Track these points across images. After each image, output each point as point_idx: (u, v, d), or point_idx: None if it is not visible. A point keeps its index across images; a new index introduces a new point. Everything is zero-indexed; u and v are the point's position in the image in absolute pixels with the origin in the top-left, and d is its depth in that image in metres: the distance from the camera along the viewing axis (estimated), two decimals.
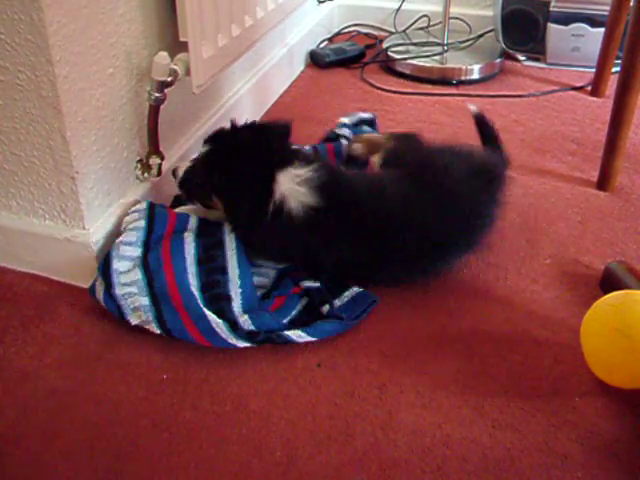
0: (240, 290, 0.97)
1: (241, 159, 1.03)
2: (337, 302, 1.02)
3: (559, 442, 0.82)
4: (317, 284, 1.03)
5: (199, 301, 0.93)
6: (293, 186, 1.00)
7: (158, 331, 0.93)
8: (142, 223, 1.05)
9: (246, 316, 0.94)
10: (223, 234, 1.05)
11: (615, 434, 0.83)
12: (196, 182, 1.08)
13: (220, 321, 0.92)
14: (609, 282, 1.04)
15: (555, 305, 1.04)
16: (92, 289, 1.00)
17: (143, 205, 1.09)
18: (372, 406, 0.87)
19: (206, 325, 0.92)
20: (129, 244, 1.01)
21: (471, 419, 0.85)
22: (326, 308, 0.99)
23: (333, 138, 1.40)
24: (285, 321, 0.98)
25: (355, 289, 1.04)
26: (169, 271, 0.97)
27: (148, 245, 1.02)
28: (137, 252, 1.01)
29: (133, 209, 1.08)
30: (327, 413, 0.86)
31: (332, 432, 0.83)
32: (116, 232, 1.06)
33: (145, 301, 0.94)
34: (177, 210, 1.13)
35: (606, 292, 0.94)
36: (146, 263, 0.98)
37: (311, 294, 1.02)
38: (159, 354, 0.94)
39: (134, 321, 0.94)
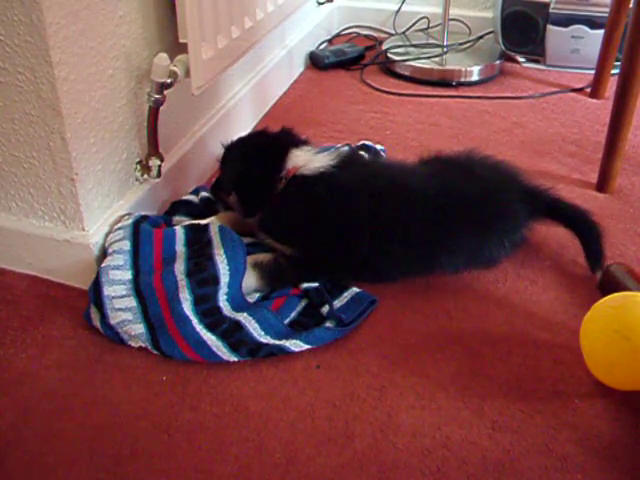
0: (225, 298, 0.96)
1: (252, 142, 1.13)
2: (337, 303, 1.02)
3: (559, 444, 0.82)
4: (316, 284, 1.03)
5: (195, 324, 0.92)
6: (308, 157, 1.07)
7: (158, 353, 0.93)
8: (127, 245, 1.02)
9: (245, 314, 0.94)
10: (209, 233, 1.04)
11: (615, 436, 0.83)
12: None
13: (220, 343, 0.91)
14: (608, 284, 1.04)
15: (554, 307, 1.04)
16: (87, 316, 0.98)
17: (129, 221, 1.05)
18: (371, 408, 0.87)
19: (206, 350, 0.91)
20: (117, 268, 0.99)
21: (470, 421, 0.85)
22: (326, 309, 0.99)
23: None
24: (285, 322, 0.98)
25: (354, 289, 1.04)
26: (162, 297, 0.95)
27: (137, 268, 1.00)
28: (128, 275, 0.99)
29: (118, 225, 1.05)
30: (326, 415, 0.86)
31: (331, 434, 0.83)
32: None
33: (140, 329, 0.93)
34: (210, 220, 1.11)
35: (605, 294, 0.94)
36: (139, 289, 0.97)
37: (310, 295, 1.02)
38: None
39: (135, 345, 0.94)
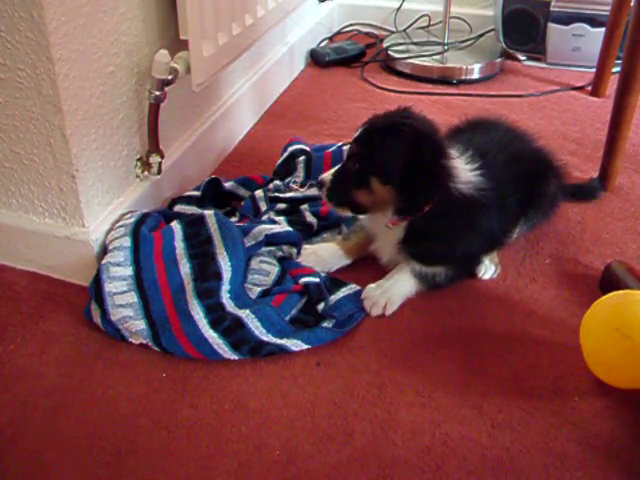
0: (228, 295, 0.96)
1: (416, 141, 0.95)
2: (332, 298, 1.02)
3: (558, 442, 0.82)
4: (317, 280, 1.03)
5: (198, 320, 0.93)
6: (465, 165, 1.01)
7: (159, 350, 0.94)
8: (128, 241, 1.02)
9: (247, 311, 0.94)
10: (208, 228, 1.05)
11: (614, 434, 0.83)
12: (354, 172, 0.98)
13: (221, 341, 0.92)
14: (609, 282, 1.04)
15: (555, 305, 1.04)
16: (88, 313, 0.99)
17: (131, 219, 1.06)
18: (371, 405, 0.87)
19: (208, 348, 0.91)
20: (118, 264, 0.99)
21: (470, 418, 0.85)
22: (321, 306, 0.99)
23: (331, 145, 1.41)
24: (286, 319, 0.98)
25: (353, 286, 1.05)
26: (167, 295, 0.96)
27: (138, 264, 1.00)
28: (128, 271, 0.99)
29: (120, 223, 1.06)
30: (326, 412, 0.86)
31: (331, 431, 0.83)
32: None
33: (141, 325, 0.94)
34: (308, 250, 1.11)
35: (605, 292, 0.94)
36: (142, 285, 0.97)
37: (310, 291, 1.02)
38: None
39: (135, 342, 0.95)
